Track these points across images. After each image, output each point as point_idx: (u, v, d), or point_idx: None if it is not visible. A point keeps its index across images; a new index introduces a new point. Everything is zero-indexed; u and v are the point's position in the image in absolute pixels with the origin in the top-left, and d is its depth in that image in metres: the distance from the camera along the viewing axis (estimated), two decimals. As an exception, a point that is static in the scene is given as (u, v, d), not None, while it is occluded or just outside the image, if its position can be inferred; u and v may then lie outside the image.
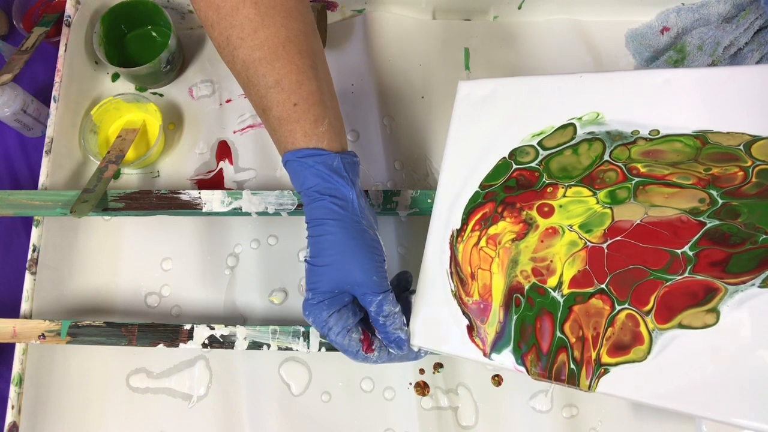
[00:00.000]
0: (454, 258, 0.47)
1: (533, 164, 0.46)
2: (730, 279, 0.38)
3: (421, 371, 0.56)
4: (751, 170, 0.40)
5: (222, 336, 0.53)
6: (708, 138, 0.42)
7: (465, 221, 0.47)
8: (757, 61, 0.60)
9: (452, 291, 0.46)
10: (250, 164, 0.64)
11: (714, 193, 0.40)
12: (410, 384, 0.56)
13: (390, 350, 0.47)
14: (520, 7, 0.68)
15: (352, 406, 0.56)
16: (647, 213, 0.41)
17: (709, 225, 0.39)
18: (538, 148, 0.47)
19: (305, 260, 0.46)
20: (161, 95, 0.68)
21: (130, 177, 0.65)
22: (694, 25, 0.64)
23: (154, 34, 0.69)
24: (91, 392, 0.57)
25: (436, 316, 0.46)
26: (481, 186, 0.48)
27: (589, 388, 0.40)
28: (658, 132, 0.43)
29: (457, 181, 0.49)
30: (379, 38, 0.69)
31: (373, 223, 0.47)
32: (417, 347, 0.47)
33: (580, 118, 0.46)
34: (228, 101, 0.67)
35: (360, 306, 0.47)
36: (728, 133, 0.41)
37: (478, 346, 0.44)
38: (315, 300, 0.45)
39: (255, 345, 0.53)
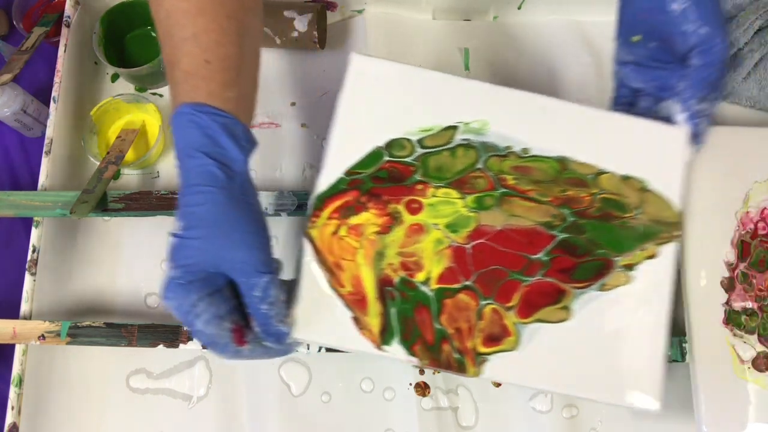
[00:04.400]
0: (314, 246, 0.45)
1: (408, 159, 0.47)
2: (575, 284, 0.46)
3: (422, 372, 0.56)
4: (596, 197, 0.48)
5: (222, 336, 0.53)
6: (568, 164, 0.48)
7: (319, 207, 0.46)
8: (757, 62, 0.60)
9: (328, 281, 0.45)
10: (250, 164, 0.64)
11: (566, 211, 0.47)
12: (410, 384, 0.56)
13: (265, 344, 0.42)
14: (520, 8, 0.68)
15: (352, 407, 0.56)
16: (508, 221, 0.47)
17: (559, 237, 0.47)
18: (416, 144, 0.48)
19: (171, 234, 0.40)
20: (161, 95, 0.68)
21: (130, 177, 0.64)
22: (694, 25, 0.64)
23: (153, 34, 0.69)
24: (91, 393, 0.57)
25: (319, 307, 0.44)
26: (347, 172, 0.47)
27: (476, 374, 0.44)
28: (529, 151, 0.48)
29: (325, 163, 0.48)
30: (379, 38, 0.69)
31: (261, 209, 0.43)
32: (298, 341, 0.44)
33: (467, 123, 0.48)
34: (228, 101, 0.67)
35: (232, 292, 0.41)
36: (583, 163, 0.48)
37: (368, 338, 0.44)
38: (184, 279, 0.38)
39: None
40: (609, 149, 0.49)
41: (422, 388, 0.56)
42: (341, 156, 0.47)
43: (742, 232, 0.53)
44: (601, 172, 0.48)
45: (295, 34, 0.65)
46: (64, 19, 0.65)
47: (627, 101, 0.55)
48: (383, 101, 0.49)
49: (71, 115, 0.64)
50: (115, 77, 0.69)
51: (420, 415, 0.55)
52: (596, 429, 0.55)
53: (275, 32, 0.65)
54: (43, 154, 0.60)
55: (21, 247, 0.65)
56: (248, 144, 0.42)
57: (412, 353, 0.44)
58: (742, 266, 0.52)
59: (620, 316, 0.46)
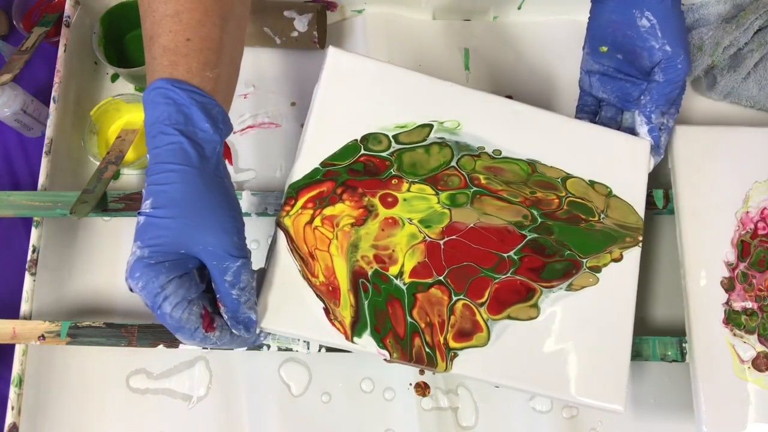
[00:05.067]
0: (288, 234, 0.46)
1: (384, 154, 0.48)
2: (544, 283, 0.47)
3: (422, 372, 0.56)
4: (564, 200, 0.50)
5: (222, 336, 0.53)
6: (537, 167, 0.50)
7: (293, 196, 0.46)
8: (757, 62, 0.60)
9: (299, 271, 0.45)
10: (250, 165, 0.64)
11: (535, 212, 0.49)
12: (410, 384, 0.56)
13: (233, 331, 0.41)
14: (520, 8, 0.68)
15: (352, 407, 0.56)
16: (480, 219, 0.48)
17: (529, 237, 0.48)
18: (392, 140, 0.49)
19: (138, 213, 0.38)
20: (161, 95, 0.68)
21: (130, 177, 0.65)
22: (694, 25, 0.64)
23: (153, 34, 0.69)
24: (91, 393, 0.57)
25: (290, 297, 0.44)
26: (323, 163, 0.47)
27: (446, 369, 0.45)
28: (500, 152, 0.50)
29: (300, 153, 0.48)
30: (379, 38, 0.69)
31: (235, 193, 0.42)
32: (267, 330, 0.44)
33: (441, 123, 0.49)
34: (228, 101, 0.67)
35: (201, 276, 0.41)
36: (551, 166, 0.50)
37: (338, 329, 0.44)
38: (153, 259, 0.37)
39: (255, 346, 0.53)
40: (577, 155, 0.51)
41: (422, 388, 0.56)
42: (317, 147, 0.48)
43: (742, 232, 0.53)
44: (568, 177, 0.50)
45: (295, 34, 0.65)
46: (64, 19, 0.65)
47: (590, 109, 0.57)
48: (360, 96, 0.49)
49: (71, 115, 0.64)
50: (115, 77, 0.69)
51: (420, 415, 0.55)
52: (596, 429, 0.55)
53: (275, 32, 0.65)
54: (43, 154, 0.60)
55: (21, 247, 0.65)
56: (224, 127, 0.41)
57: (382, 346, 0.44)
58: (742, 266, 0.52)
59: (587, 316, 0.47)
